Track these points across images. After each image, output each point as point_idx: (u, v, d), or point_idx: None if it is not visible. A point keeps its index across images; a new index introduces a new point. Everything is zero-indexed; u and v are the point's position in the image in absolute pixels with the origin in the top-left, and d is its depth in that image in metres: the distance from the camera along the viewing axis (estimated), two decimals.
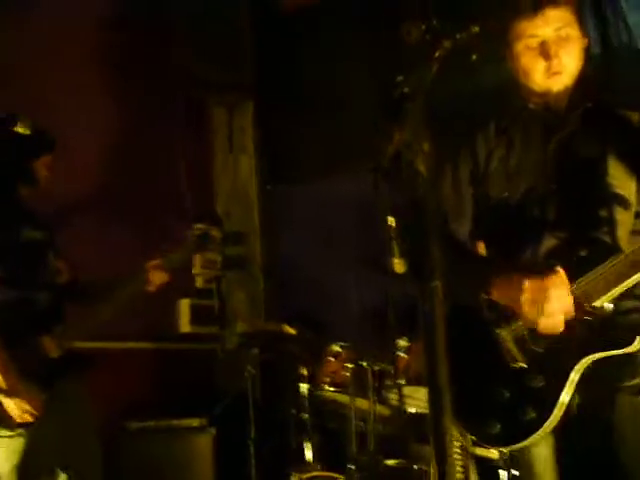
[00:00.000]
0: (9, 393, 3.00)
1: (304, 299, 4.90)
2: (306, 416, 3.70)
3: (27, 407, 3.02)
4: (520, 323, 2.06)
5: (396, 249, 1.59)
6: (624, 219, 2.07)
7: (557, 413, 1.96)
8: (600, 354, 1.95)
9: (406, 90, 1.59)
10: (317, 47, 5.05)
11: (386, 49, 4.28)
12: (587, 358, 1.96)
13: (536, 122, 2.21)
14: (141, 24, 5.03)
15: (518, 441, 2.04)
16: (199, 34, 5.12)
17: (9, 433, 3.04)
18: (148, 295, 3.47)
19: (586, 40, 2.21)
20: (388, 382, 3.42)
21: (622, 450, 2.05)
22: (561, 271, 1.97)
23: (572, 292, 1.96)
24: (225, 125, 5.60)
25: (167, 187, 5.07)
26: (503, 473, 2.30)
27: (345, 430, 3.50)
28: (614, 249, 2.01)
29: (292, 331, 4.01)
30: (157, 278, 3.45)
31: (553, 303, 1.94)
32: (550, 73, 2.11)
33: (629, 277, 1.90)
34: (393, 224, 1.58)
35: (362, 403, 3.39)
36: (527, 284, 1.97)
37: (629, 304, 2.02)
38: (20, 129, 3.23)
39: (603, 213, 2.06)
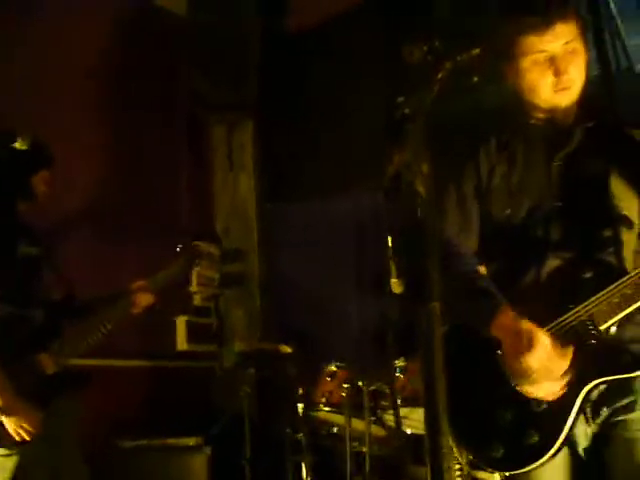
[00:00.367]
0: (7, 411, 2.97)
1: (302, 317, 4.88)
2: (301, 436, 3.68)
3: (25, 425, 2.99)
4: None
5: (393, 269, 1.58)
6: (628, 239, 2.04)
7: (562, 439, 1.93)
8: (605, 378, 1.92)
9: (407, 111, 1.57)
10: (319, 67, 5.09)
11: (387, 70, 4.33)
12: (592, 383, 1.93)
13: (539, 138, 2.16)
14: (143, 41, 5.05)
15: (521, 466, 1.99)
16: (204, 54, 5.13)
17: (6, 452, 3.01)
18: (145, 313, 3.45)
19: (589, 54, 2.16)
20: (384, 402, 3.40)
21: None
22: (569, 351, 1.93)
23: (577, 317, 1.93)
24: (225, 143, 5.61)
25: (166, 204, 5.08)
26: None
27: (340, 450, 3.47)
28: (619, 270, 1.98)
29: (288, 350, 3.99)
30: (143, 300, 3.43)
31: (542, 379, 1.92)
32: (558, 88, 2.06)
33: (635, 301, 1.88)
34: (390, 244, 1.58)
35: (358, 424, 3.37)
36: (531, 353, 1.91)
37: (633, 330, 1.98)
38: (19, 145, 3.24)
39: (608, 233, 2.03)
